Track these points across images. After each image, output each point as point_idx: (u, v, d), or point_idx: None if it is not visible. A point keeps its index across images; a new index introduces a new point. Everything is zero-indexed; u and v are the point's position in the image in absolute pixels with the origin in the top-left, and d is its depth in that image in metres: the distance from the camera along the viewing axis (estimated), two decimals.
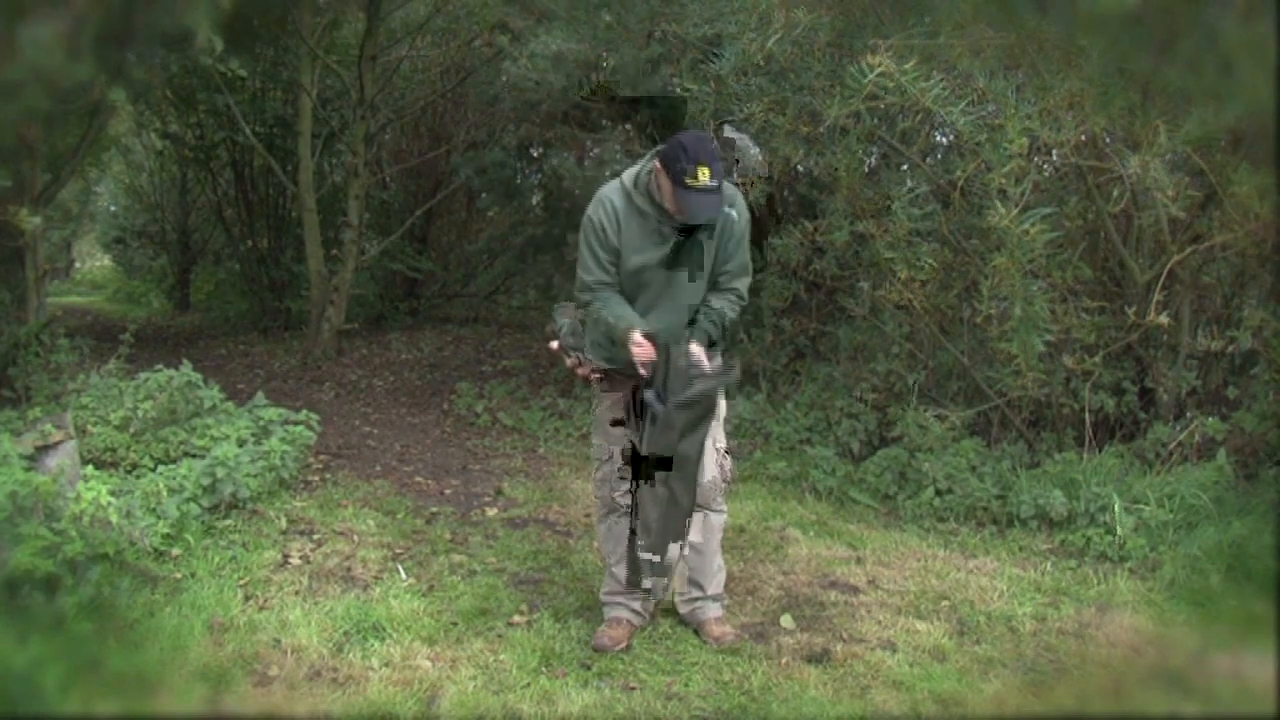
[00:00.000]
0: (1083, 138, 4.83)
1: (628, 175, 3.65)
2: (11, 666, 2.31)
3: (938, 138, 6.32)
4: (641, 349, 3.54)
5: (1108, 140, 5.10)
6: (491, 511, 5.54)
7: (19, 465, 3.55)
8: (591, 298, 3.69)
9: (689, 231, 3.59)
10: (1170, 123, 4.55)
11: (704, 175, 3.39)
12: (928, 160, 6.03)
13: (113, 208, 18.95)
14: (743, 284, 3.77)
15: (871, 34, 4.89)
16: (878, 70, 4.65)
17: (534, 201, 10.91)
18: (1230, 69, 1.94)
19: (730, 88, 5.79)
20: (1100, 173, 5.15)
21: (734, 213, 3.64)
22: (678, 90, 6.17)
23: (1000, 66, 4.77)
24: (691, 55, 6.63)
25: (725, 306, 3.72)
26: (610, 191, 3.66)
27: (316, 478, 5.96)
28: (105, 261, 20.81)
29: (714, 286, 3.75)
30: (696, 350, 3.56)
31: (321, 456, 6.45)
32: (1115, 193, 4.82)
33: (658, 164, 3.51)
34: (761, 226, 6.93)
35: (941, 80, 4.73)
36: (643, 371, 3.56)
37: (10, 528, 3.34)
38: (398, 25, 11.04)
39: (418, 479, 6.20)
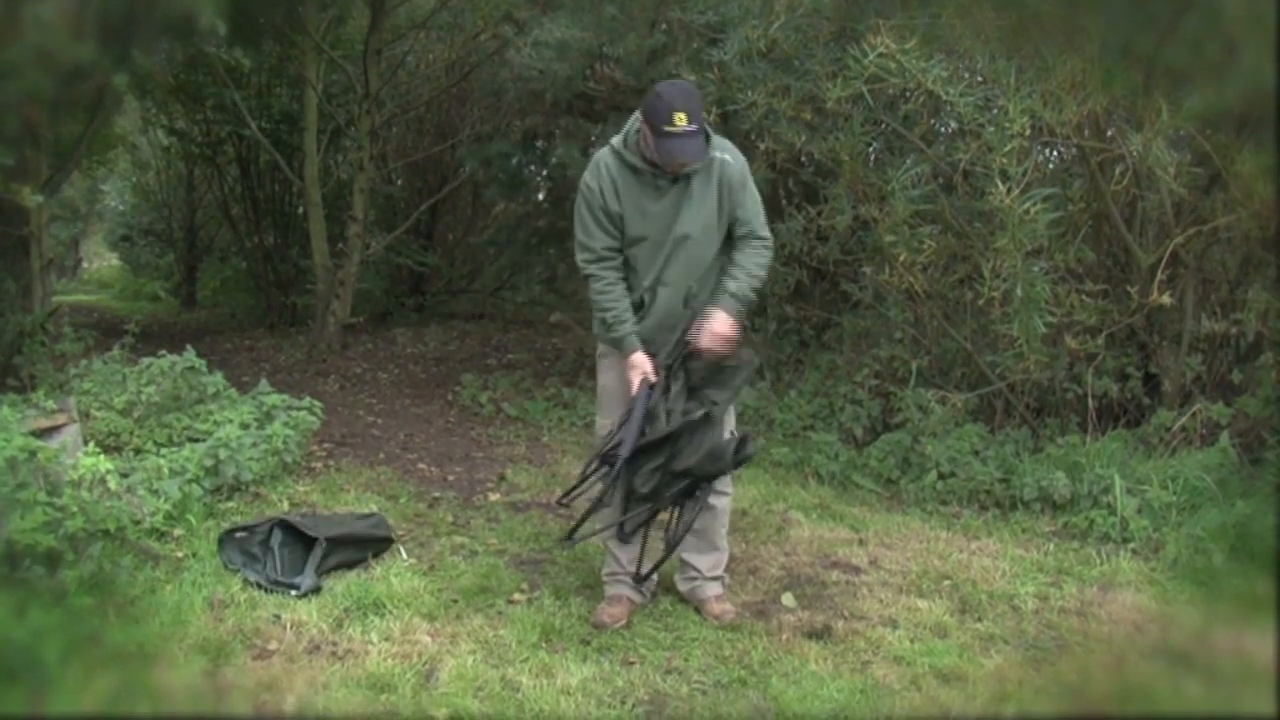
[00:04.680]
0: (1084, 119, 4.82)
1: (616, 138, 3.71)
2: (12, 638, 2.31)
3: (940, 128, 6.31)
4: (637, 371, 3.67)
5: (1110, 117, 5.09)
6: (494, 496, 5.54)
7: (18, 432, 3.56)
8: (595, 271, 3.74)
9: (683, 178, 3.65)
10: (1173, 103, 4.54)
11: (680, 120, 3.45)
12: (931, 148, 6.01)
13: (119, 206, 19.01)
14: (759, 224, 3.78)
15: (874, 16, 4.88)
16: (878, 50, 4.65)
17: (539, 197, 10.92)
18: (1233, 47, 1.94)
19: (734, 73, 5.79)
20: (1102, 153, 5.15)
21: (727, 157, 3.68)
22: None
23: (1002, 48, 4.77)
24: (696, 43, 6.64)
25: (751, 262, 3.75)
26: (603, 155, 3.73)
27: (320, 464, 5.96)
28: (112, 261, 20.85)
29: (731, 238, 3.78)
30: (722, 320, 3.63)
31: (325, 445, 6.45)
32: (1117, 170, 4.80)
33: (640, 117, 3.58)
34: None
35: (942, 61, 4.73)
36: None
37: (9, 494, 3.35)
38: (403, 20, 11.06)
39: (421, 466, 6.20)
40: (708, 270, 3.77)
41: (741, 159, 3.76)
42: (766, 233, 3.82)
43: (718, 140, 3.70)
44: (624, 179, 3.67)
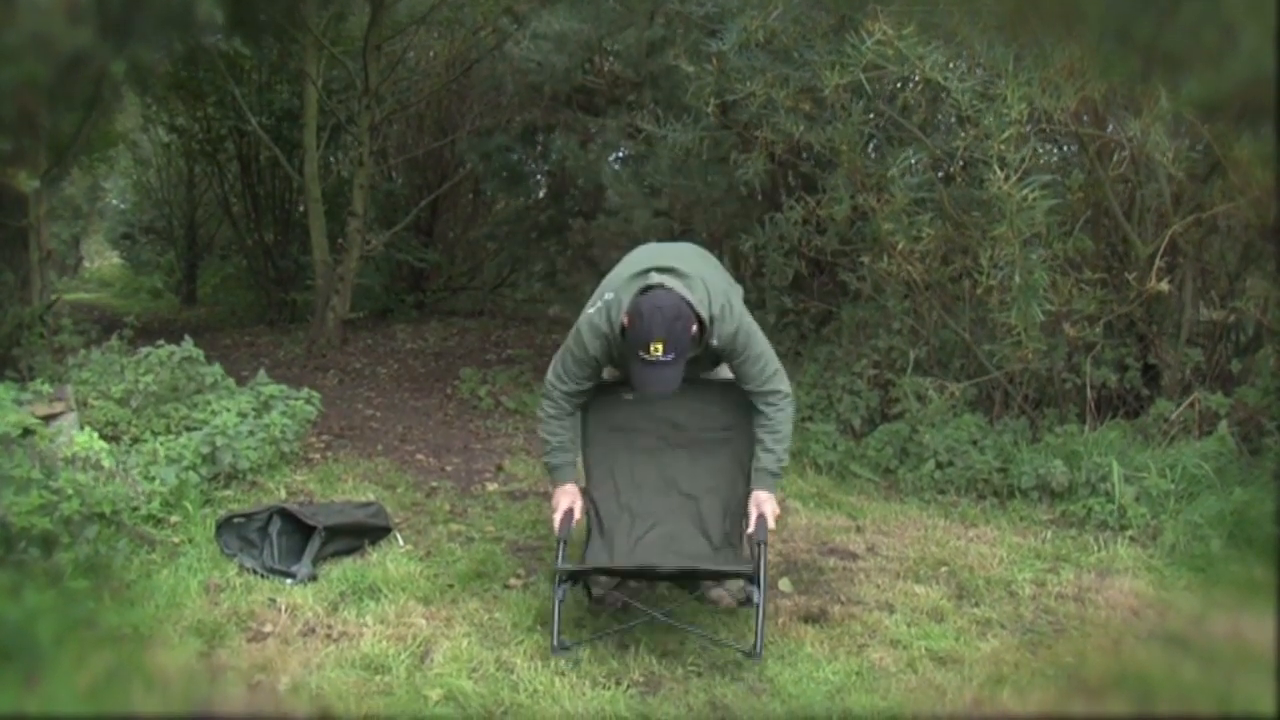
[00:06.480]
0: (1082, 106, 4.81)
1: (613, 315, 3.52)
2: (6, 618, 2.31)
3: (939, 120, 6.30)
4: (563, 501, 3.68)
5: (1108, 104, 5.09)
6: (491, 486, 5.54)
7: (11, 408, 3.56)
8: (555, 397, 3.75)
9: None
10: (1172, 90, 4.54)
11: (657, 350, 3.31)
12: (930, 138, 6.00)
13: (120, 204, 19.01)
14: (762, 381, 3.61)
15: (872, 2, 4.88)
16: (875, 38, 4.65)
17: (540, 195, 10.92)
18: (1232, 33, 1.93)
19: (732, 64, 5.77)
20: (1100, 140, 5.14)
21: (714, 342, 3.51)
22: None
23: (1000, 35, 4.76)
24: (694, 35, 6.63)
25: (778, 424, 3.61)
26: (601, 323, 3.57)
27: (318, 455, 5.95)
28: (113, 259, 20.84)
29: (752, 393, 3.66)
30: (769, 501, 3.58)
31: (324, 437, 6.44)
32: (1115, 157, 4.80)
33: (625, 320, 3.44)
34: (764, 207, 6.93)
35: (940, 48, 4.72)
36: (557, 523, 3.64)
37: (3, 471, 3.34)
38: (403, 16, 11.05)
39: (419, 457, 6.20)
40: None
41: (733, 324, 3.54)
42: (777, 385, 3.63)
43: (712, 319, 3.48)
44: (620, 354, 3.58)
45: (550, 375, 3.76)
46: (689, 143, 6.26)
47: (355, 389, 8.61)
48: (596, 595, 3.74)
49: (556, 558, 3.54)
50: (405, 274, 12.95)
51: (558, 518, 3.65)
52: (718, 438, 3.78)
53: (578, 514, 3.68)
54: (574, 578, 3.53)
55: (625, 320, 3.44)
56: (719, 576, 3.61)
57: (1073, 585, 4.10)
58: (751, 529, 3.54)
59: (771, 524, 3.56)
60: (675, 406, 3.76)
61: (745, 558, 3.62)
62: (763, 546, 3.47)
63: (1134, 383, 5.66)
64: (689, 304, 3.40)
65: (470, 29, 10.94)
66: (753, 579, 3.39)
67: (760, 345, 3.60)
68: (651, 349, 3.32)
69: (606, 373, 3.82)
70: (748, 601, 3.49)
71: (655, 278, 3.45)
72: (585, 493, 3.78)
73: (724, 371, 3.83)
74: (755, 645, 3.28)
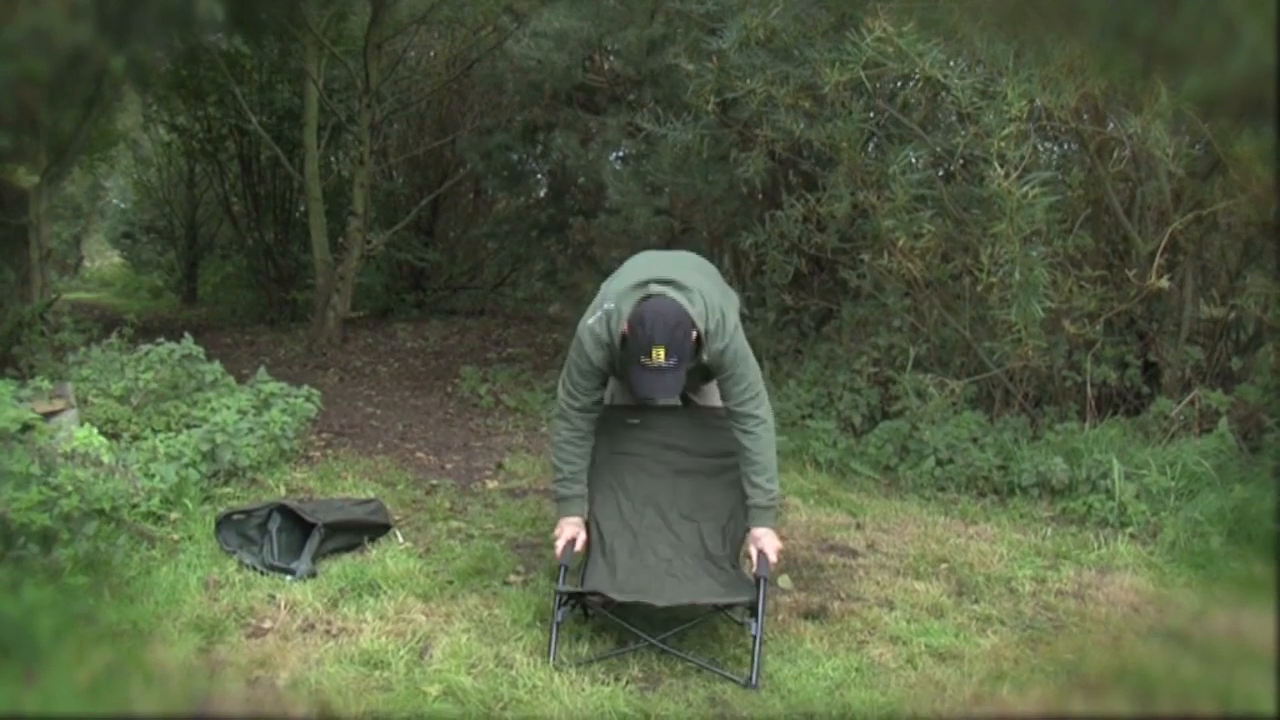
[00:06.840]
0: (1082, 103, 4.81)
1: (614, 325, 3.52)
2: (4, 614, 2.29)
3: (939, 116, 6.30)
4: (566, 530, 3.67)
5: (1108, 101, 5.08)
6: (491, 484, 5.54)
7: (9, 403, 3.56)
8: (571, 416, 3.71)
9: None
10: (1172, 86, 4.53)
11: (659, 356, 3.33)
12: (930, 136, 6.00)
13: (121, 203, 19.00)
14: (747, 399, 3.59)
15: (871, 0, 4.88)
16: (875, 35, 4.64)
17: (540, 194, 10.91)
18: (1232, 28, 1.92)
19: (732, 62, 5.77)
20: (1100, 137, 5.13)
21: (705, 358, 3.53)
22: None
23: (1000, 32, 4.76)
24: (695, 33, 6.63)
25: (762, 452, 3.59)
26: (602, 332, 3.56)
27: (318, 453, 5.96)
28: (114, 259, 20.82)
29: (730, 412, 3.67)
30: (770, 537, 3.57)
31: (324, 435, 6.45)
32: (1115, 154, 4.79)
33: (626, 328, 3.44)
34: (764, 205, 6.93)
35: (940, 45, 4.72)
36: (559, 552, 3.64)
37: (2, 467, 3.34)
38: (404, 15, 11.05)
39: (419, 455, 6.20)
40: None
41: (723, 342, 3.53)
42: (753, 410, 3.61)
43: (707, 333, 3.49)
44: (621, 361, 3.59)
45: (561, 395, 3.75)
46: (689, 141, 6.26)
47: (356, 387, 8.62)
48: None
49: (559, 580, 3.54)
50: (406, 273, 12.96)
51: (560, 545, 3.65)
52: (720, 464, 3.81)
53: (579, 544, 3.68)
54: (574, 600, 3.53)
55: (626, 328, 3.45)
56: (720, 608, 3.57)
57: (1073, 582, 4.11)
58: (755, 568, 3.55)
59: (774, 558, 3.56)
60: (679, 433, 3.84)
61: (746, 578, 3.62)
62: (764, 582, 3.46)
63: (1134, 380, 5.66)
64: (688, 313, 3.42)
65: (471, 28, 10.94)
66: (752, 609, 3.38)
67: (745, 367, 3.60)
68: (654, 354, 3.33)
69: (611, 386, 3.83)
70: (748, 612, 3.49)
71: (655, 288, 3.47)
72: (589, 515, 3.78)
73: (714, 393, 3.84)
74: (752, 676, 3.25)
